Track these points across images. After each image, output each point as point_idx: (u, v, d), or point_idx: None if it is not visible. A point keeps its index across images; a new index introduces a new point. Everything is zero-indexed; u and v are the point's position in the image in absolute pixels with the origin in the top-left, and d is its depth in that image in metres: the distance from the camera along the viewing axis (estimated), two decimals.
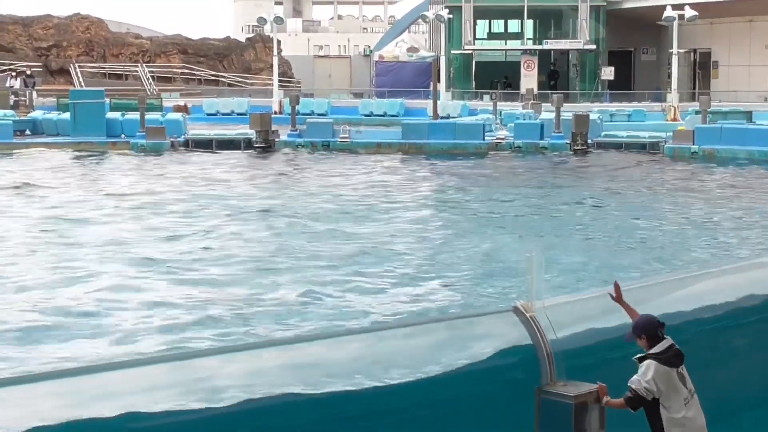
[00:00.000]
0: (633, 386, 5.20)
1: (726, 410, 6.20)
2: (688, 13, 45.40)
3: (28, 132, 36.62)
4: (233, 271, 14.30)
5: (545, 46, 57.89)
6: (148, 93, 50.79)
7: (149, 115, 35.24)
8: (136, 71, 59.73)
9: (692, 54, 55.66)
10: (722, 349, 6.45)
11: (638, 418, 5.27)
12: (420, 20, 65.33)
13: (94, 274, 14.01)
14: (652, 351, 5.23)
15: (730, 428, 6.23)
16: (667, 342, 5.25)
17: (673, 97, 44.79)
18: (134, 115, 35.00)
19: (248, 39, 69.69)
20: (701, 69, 56.37)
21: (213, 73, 62.68)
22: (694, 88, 53.71)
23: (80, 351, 10.46)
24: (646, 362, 5.22)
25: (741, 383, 6.53)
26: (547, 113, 37.23)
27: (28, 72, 53.26)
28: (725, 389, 6.33)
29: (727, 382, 6.41)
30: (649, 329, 5.29)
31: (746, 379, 6.52)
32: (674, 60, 45.18)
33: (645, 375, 5.19)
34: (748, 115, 36.31)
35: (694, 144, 31.53)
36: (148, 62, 61.33)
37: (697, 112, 37.09)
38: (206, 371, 4.72)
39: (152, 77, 59.15)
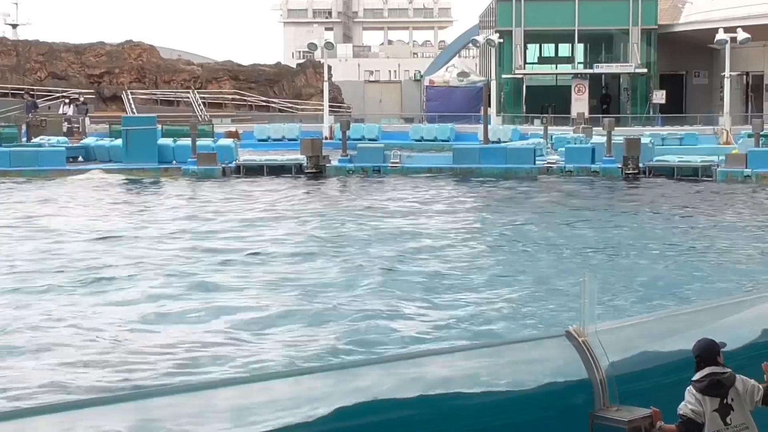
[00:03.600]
0: (681, 411, 5.19)
1: None
2: (741, 35, 45.08)
3: (81, 158, 37.07)
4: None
5: (596, 70, 57.70)
6: (200, 119, 51.26)
7: (200, 141, 35.54)
8: (188, 97, 60.35)
9: (745, 77, 55.20)
10: None
11: None
12: (470, 45, 65.43)
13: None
14: (694, 377, 5.23)
15: None
16: (708, 370, 5.21)
17: (725, 120, 44.45)
18: (186, 141, 35.30)
19: (299, 65, 70.20)
20: (754, 92, 55.88)
21: (264, 98, 63.14)
22: (747, 112, 53.21)
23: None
24: (688, 388, 5.22)
25: None
26: (598, 137, 37.06)
27: (81, 99, 54.05)
28: None
29: None
30: (701, 354, 5.26)
31: None
32: (726, 83, 44.85)
33: (687, 400, 5.20)
34: None
35: (746, 167, 31.23)
36: (200, 88, 61.95)
37: (749, 136, 36.76)
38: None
39: (203, 103, 59.73)
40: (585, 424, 5.30)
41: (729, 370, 5.25)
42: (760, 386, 5.29)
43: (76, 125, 47.02)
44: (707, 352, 5.27)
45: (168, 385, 9.00)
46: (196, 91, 61.21)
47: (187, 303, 13.94)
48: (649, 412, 5.26)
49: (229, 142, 37.69)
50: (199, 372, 10.56)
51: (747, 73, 55.09)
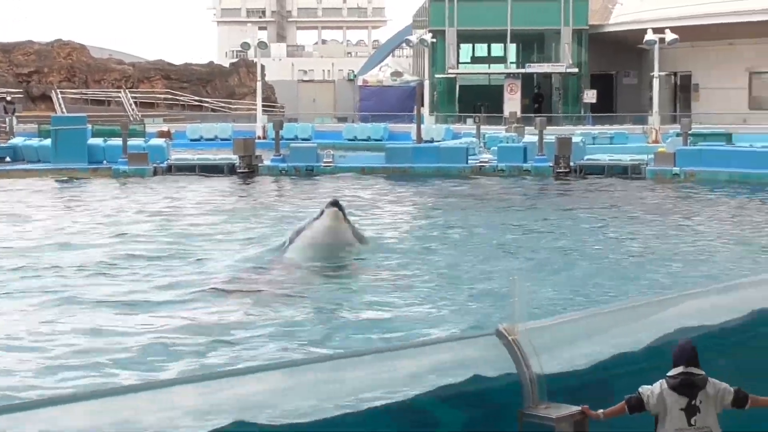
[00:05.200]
0: (641, 390, 5.34)
1: None
2: (669, 36, 45.72)
3: (8, 159, 36.47)
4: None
5: (528, 70, 58.15)
6: (131, 119, 50.82)
7: (132, 141, 35.19)
8: (119, 97, 59.78)
9: (673, 77, 55.99)
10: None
11: None
12: (404, 44, 65.57)
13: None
14: (669, 373, 5.34)
15: None
16: (683, 368, 5.31)
17: (654, 119, 45.02)
18: (116, 141, 34.93)
19: (232, 64, 69.91)
20: (682, 92, 56.73)
21: (196, 98, 62.76)
22: (675, 111, 54.01)
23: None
24: (660, 380, 5.37)
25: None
26: (530, 136, 37.35)
27: (8, 98, 53.18)
28: None
29: None
30: (680, 352, 5.37)
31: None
32: (655, 83, 45.43)
33: (653, 387, 5.33)
34: (728, 137, 36.52)
35: (675, 166, 31.66)
36: (131, 88, 61.41)
37: (677, 135, 37.28)
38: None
39: (135, 103, 59.19)
40: (514, 422, 5.33)
41: (703, 372, 5.34)
42: (731, 390, 5.39)
43: (3, 125, 46.23)
44: (686, 352, 5.36)
45: None
46: (127, 90, 60.63)
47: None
48: (579, 409, 5.31)
49: (160, 141, 37.34)
50: None
51: (675, 73, 55.86)
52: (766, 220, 22.79)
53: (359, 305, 13.72)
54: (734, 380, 5.50)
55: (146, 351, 11.16)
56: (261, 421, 4.78)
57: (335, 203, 17.01)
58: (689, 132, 36.20)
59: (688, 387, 5.29)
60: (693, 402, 5.29)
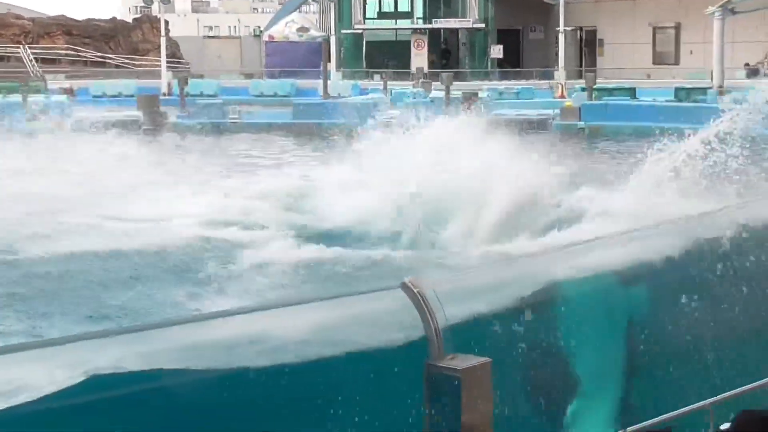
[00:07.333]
0: None
1: None
2: None
3: None
4: None
5: (435, 25, 58.12)
6: (31, 75, 49.64)
7: (32, 98, 34.45)
8: (18, 53, 58.30)
9: (578, 32, 56.45)
10: None
11: None
12: (310, 0, 65.04)
13: None
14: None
15: None
16: None
17: (560, 74, 45.39)
18: (16, 98, 34.14)
19: (135, 20, 68.62)
20: (587, 47, 57.26)
21: (99, 54, 61.53)
22: (581, 66, 54.52)
23: None
24: None
25: None
26: (437, 92, 37.41)
27: None
28: None
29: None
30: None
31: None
32: (561, 38, 45.78)
33: None
34: (632, 92, 36.99)
35: (580, 120, 32.00)
36: (31, 44, 59.91)
37: (583, 89, 37.66)
38: None
39: (35, 59, 57.80)
40: (421, 374, 5.30)
41: None
42: None
43: None
44: None
45: None
46: (27, 46, 59.17)
47: None
48: (485, 360, 5.29)
49: (62, 98, 36.61)
50: None
51: (581, 29, 56.34)
52: None
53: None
54: None
55: None
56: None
57: None
58: (594, 87, 36.59)
59: None
60: None
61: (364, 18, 59.03)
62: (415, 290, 5.47)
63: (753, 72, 44.83)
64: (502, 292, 6.17)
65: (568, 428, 6.24)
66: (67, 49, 60.92)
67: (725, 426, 3.69)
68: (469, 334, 5.61)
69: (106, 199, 18.76)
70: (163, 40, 48.46)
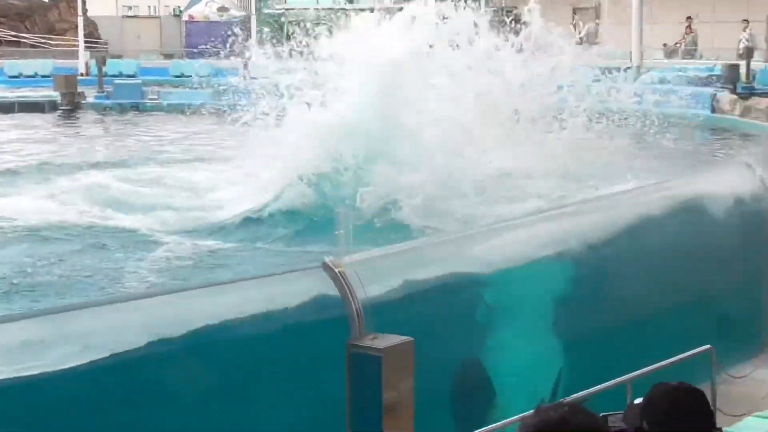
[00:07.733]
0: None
1: None
2: None
3: None
4: None
5: (356, 6, 57.99)
6: None
7: None
8: None
9: (500, 13, 56.72)
10: None
11: None
12: None
13: None
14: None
15: None
16: None
17: None
18: None
19: None
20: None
21: (14, 33, 60.37)
22: None
23: None
24: None
25: None
26: None
27: None
28: None
29: None
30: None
31: None
32: None
33: None
34: None
35: None
36: None
37: None
38: None
39: None
40: (342, 354, 5.29)
41: None
42: None
43: None
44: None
45: None
46: None
47: None
48: (406, 339, 5.29)
49: None
50: None
51: (502, 9, 56.60)
52: None
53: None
54: None
55: None
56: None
57: None
58: None
59: None
60: None
61: None
62: (336, 270, 5.45)
63: (671, 52, 45.45)
64: (425, 271, 6.18)
65: (491, 405, 6.28)
66: None
67: (638, 400, 3.72)
68: (391, 313, 5.61)
69: None
70: (80, 20, 47.72)
